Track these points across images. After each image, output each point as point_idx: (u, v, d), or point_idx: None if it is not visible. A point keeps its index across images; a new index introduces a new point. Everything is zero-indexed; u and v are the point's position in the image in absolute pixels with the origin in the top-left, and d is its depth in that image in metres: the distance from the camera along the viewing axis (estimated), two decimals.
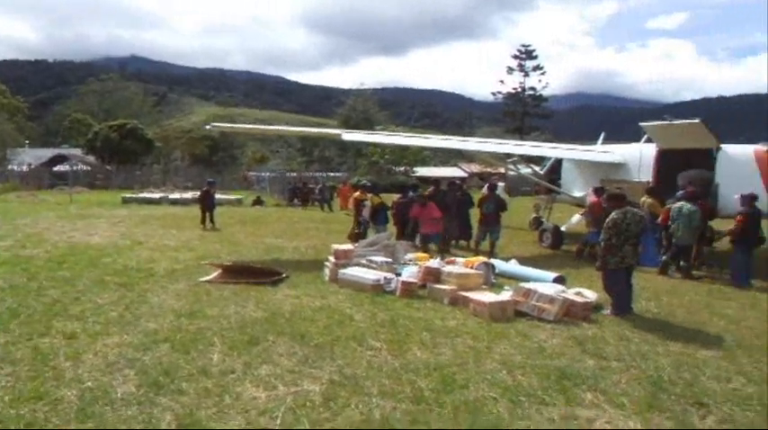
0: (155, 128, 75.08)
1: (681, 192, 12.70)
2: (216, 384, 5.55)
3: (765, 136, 14.43)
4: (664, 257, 12.43)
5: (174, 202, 31.13)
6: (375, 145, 53.61)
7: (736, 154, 13.62)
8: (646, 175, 14.95)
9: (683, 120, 14.22)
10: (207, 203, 19.87)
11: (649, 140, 15.47)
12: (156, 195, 33.92)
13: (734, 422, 5.05)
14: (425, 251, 13.17)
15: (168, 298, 8.99)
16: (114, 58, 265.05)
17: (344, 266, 10.62)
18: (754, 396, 5.64)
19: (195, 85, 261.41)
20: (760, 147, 13.46)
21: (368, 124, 64.12)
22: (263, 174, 51.41)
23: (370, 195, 16.00)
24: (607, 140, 19.05)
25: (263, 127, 23.97)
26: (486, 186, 18.18)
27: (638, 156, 15.45)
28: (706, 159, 13.75)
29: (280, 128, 23.86)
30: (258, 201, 33.18)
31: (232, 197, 34.27)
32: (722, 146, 13.75)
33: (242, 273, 10.55)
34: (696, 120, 13.72)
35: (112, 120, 63.20)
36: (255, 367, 6.03)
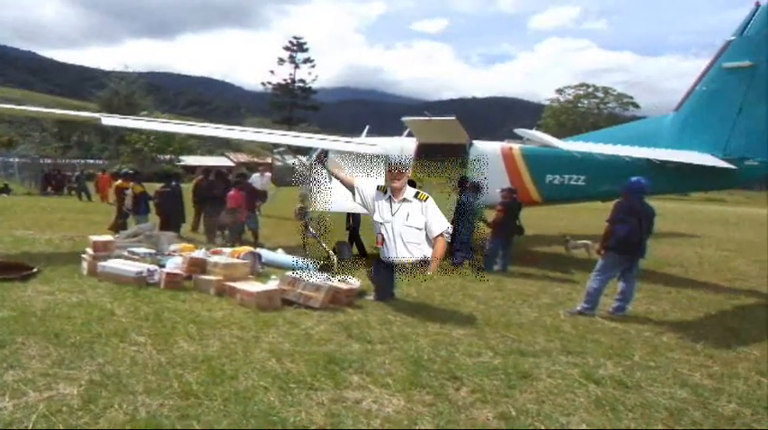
0: None
1: None
2: None
3: (510, 134, 15.92)
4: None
5: None
6: (139, 131, 50.91)
7: (485, 149, 14.90)
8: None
9: (441, 117, 15.25)
10: None
11: (411, 135, 16.37)
12: None
13: (483, 391, 5.50)
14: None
15: None
16: None
17: (104, 259, 9.90)
18: (500, 366, 6.19)
19: None
20: (505, 144, 14.88)
21: (132, 109, 60.31)
22: (11, 159, 46.86)
23: (132, 184, 15.22)
24: (371, 133, 19.83)
25: (9, 106, 21.42)
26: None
27: (400, 149, 16.27)
28: (460, 153, 14.86)
29: (30, 108, 21.45)
30: (5, 189, 30.70)
31: None
32: (473, 142, 14.97)
33: None
34: (451, 118, 14.77)
35: None
36: (0, 374, 5.35)
